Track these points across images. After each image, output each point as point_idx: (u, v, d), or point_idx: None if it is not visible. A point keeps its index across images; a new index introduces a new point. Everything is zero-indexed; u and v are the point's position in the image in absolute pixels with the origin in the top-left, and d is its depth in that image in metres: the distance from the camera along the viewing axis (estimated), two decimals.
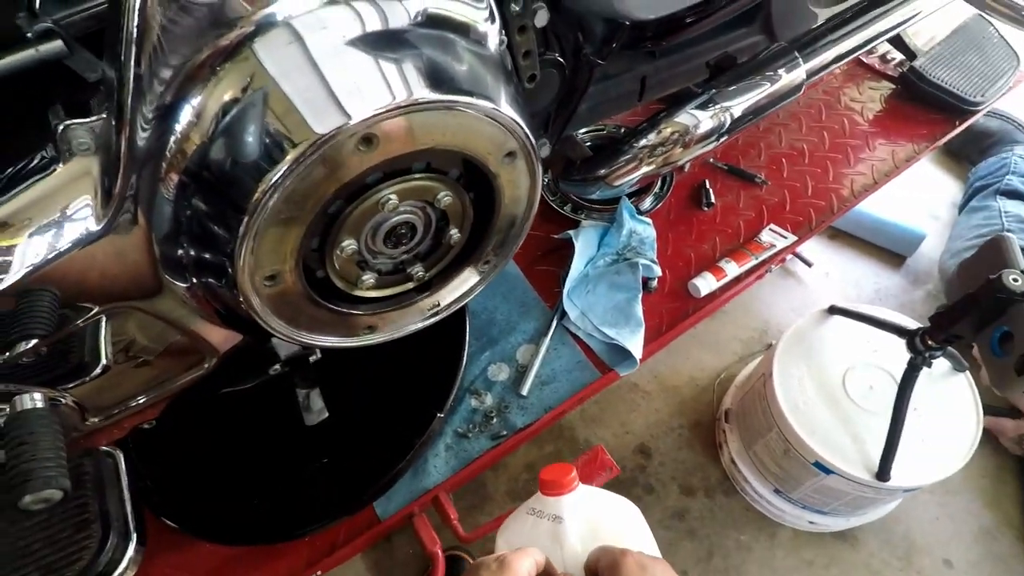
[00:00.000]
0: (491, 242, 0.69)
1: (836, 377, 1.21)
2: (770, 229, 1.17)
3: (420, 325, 0.72)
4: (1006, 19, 0.65)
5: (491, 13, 0.57)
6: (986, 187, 1.57)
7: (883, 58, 1.40)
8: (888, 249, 1.69)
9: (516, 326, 1.10)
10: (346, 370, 0.90)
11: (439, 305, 0.73)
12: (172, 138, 0.47)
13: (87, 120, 0.46)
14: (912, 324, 1.12)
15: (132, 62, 0.43)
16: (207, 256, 0.51)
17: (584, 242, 1.11)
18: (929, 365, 1.03)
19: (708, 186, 1.23)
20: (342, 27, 0.49)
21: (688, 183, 1.25)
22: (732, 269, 1.11)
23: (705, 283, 1.10)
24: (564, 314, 1.08)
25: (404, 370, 0.96)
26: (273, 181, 0.47)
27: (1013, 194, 1.52)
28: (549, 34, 0.72)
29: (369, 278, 0.64)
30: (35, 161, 0.48)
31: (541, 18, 0.67)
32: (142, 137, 0.46)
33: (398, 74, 0.50)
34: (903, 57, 1.33)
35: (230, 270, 0.51)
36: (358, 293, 0.65)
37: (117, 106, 0.45)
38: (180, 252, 0.52)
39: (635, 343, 1.03)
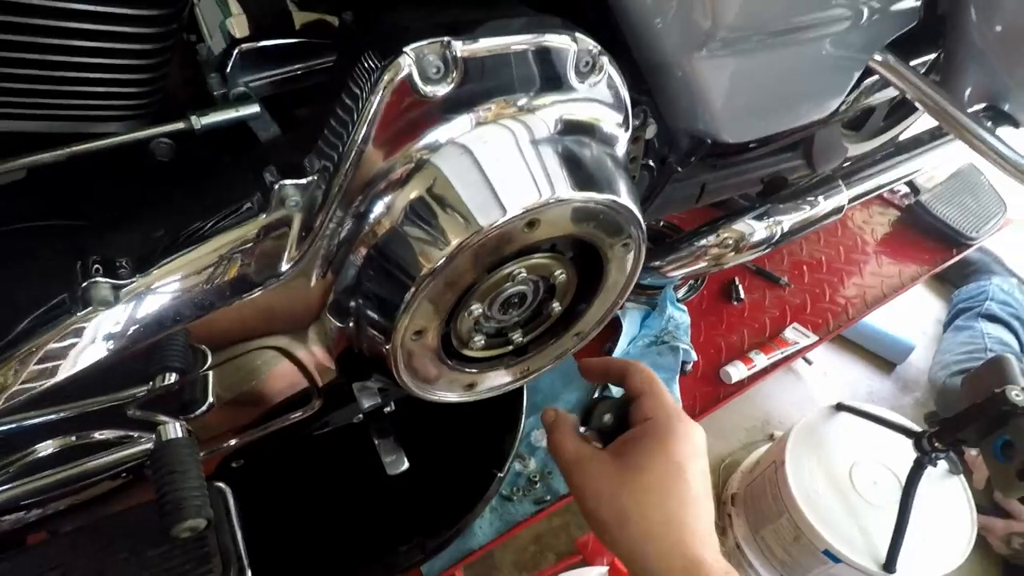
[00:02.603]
0: (586, 317, 0.77)
1: (844, 470, 1.28)
2: (794, 328, 1.28)
3: (510, 387, 0.78)
4: (1004, 171, 0.79)
5: (627, 125, 0.67)
6: (968, 309, 1.73)
7: (891, 190, 1.57)
8: (880, 355, 1.82)
9: (559, 395, 1.16)
10: (414, 425, 0.93)
11: (529, 370, 0.79)
12: (367, 221, 0.56)
13: (301, 181, 0.53)
14: (914, 426, 1.21)
15: (356, 148, 0.51)
16: (376, 310, 0.58)
17: (630, 322, 1.20)
18: (935, 465, 1.12)
19: (738, 283, 1.34)
20: (517, 136, 0.57)
21: (719, 278, 1.36)
22: (761, 360, 1.21)
23: (736, 371, 1.18)
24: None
25: (465, 429, 1.00)
26: (441, 261, 0.55)
27: (993, 318, 1.68)
28: (648, 144, 0.83)
29: (480, 339, 0.70)
30: (242, 210, 0.54)
31: (650, 131, 0.77)
32: (343, 212, 0.54)
33: (554, 175, 0.58)
34: (907, 191, 1.51)
35: (390, 324, 0.57)
36: (467, 353, 0.71)
37: (330, 176, 0.53)
38: (352, 303, 0.58)
39: None
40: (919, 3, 0.80)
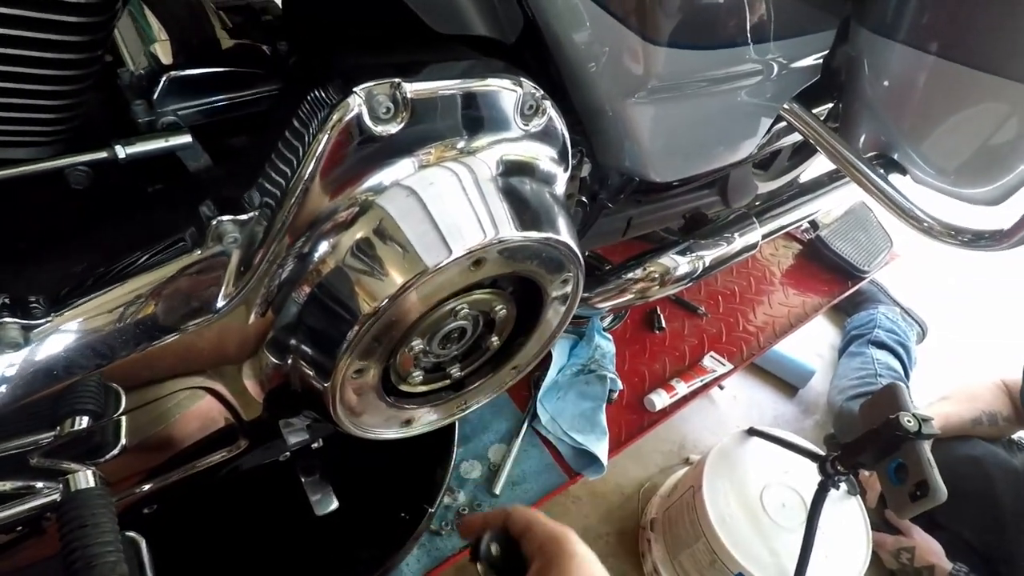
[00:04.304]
0: (524, 350, 0.78)
1: (755, 494, 1.35)
2: (711, 356, 1.35)
3: (447, 421, 0.77)
4: (901, 220, 0.87)
5: (566, 166, 0.69)
6: (860, 336, 1.90)
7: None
8: (784, 380, 1.95)
9: (489, 425, 1.16)
10: (343, 461, 0.90)
11: (466, 404, 0.79)
12: (311, 259, 0.55)
13: (241, 217, 0.51)
14: (819, 450, 1.30)
15: (301, 185, 0.50)
16: (317, 349, 0.56)
17: (558, 352, 1.22)
18: (837, 487, 1.21)
19: (659, 312, 1.40)
20: (462, 177, 0.58)
21: (642, 308, 1.42)
22: (682, 388, 1.26)
23: (660, 399, 1.23)
24: (535, 416, 1.16)
25: (396, 463, 0.97)
26: (385, 301, 0.55)
27: (881, 345, 1.85)
28: (582, 182, 0.86)
29: (418, 374, 0.70)
30: (175, 245, 0.51)
31: (585, 170, 0.81)
32: (285, 250, 0.53)
33: (497, 216, 0.60)
34: (808, 225, 1.65)
35: (332, 363, 0.56)
36: (405, 388, 0.70)
37: (272, 213, 0.51)
38: (292, 341, 0.56)
39: (602, 449, 1.12)
40: (820, 60, 0.90)
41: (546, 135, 0.64)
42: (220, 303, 0.52)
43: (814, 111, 1.02)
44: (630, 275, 1.04)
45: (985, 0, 0.73)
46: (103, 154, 0.53)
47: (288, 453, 0.80)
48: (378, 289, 0.54)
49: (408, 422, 0.73)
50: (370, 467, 0.96)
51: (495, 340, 0.75)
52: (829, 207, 1.22)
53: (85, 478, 0.54)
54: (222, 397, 0.64)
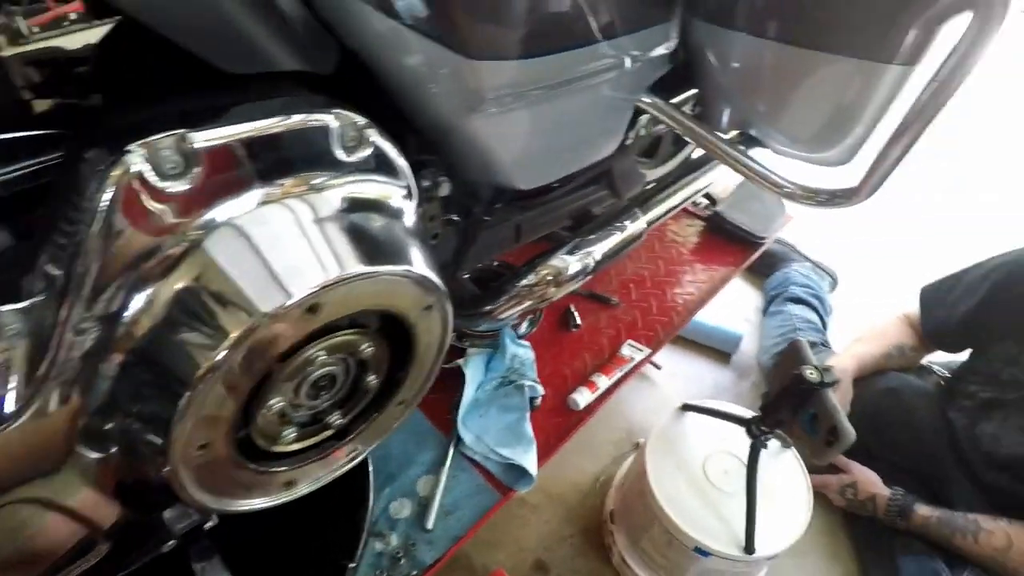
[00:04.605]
0: (406, 384, 0.74)
1: (698, 467, 1.36)
2: (628, 344, 1.35)
3: (339, 472, 0.73)
4: (767, 189, 0.91)
5: (409, 191, 0.66)
6: (777, 295, 1.96)
7: (694, 203, 1.75)
8: (717, 349, 1.99)
9: (414, 458, 1.12)
10: (246, 531, 0.84)
11: (357, 449, 0.75)
12: (121, 323, 0.48)
13: (21, 304, 0.46)
14: (748, 413, 1.32)
15: (86, 258, 0.45)
16: (141, 428, 0.51)
17: (473, 369, 1.19)
18: (766, 446, 1.23)
19: (573, 310, 1.40)
20: (283, 219, 0.55)
21: (557, 308, 1.41)
22: (603, 382, 1.26)
23: (582, 397, 1.22)
24: (460, 440, 1.13)
25: (308, 521, 0.92)
26: (219, 357, 0.50)
27: (797, 300, 1.91)
28: (448, 199, 0.84)
29: (289, 433, 0.65)
30: None
31: (444, 189, 0.78)
32: (85, 322, 0.47)
33: (333, 253, 0.57)
34: (707, 202, 1.69)
35: (165, 441, 0.51)
36: (277, 449, 0.66)
37: (61, 293, 0.46)
38: (109, 426, 0.51)
39: (530, 460, 1.10)
40: (667, 53, 0.90)
41: (376, 164, 0.61)
42: (11, 407, 0.47)
43: (679, 98, 1.04)
44: (524, 281, 1.03)
45: None
46: None
47: (174, 541, 0.74)
48: (203, 349, 0.49)
49: (290, 484, 0.69)
50: (279, 532, 0.90)
51: (373, 379, 0.71)
52: (706, 186, 1.24)
53: None
54: (65, 508, 0.58)
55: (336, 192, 0.58)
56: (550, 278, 1.02)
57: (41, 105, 0.63)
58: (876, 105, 0.84)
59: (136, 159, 0.46)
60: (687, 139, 0.96)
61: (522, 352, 1.25)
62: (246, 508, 0.64)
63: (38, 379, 0.48)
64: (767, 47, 0.85)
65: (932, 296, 1.53)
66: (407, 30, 0.57)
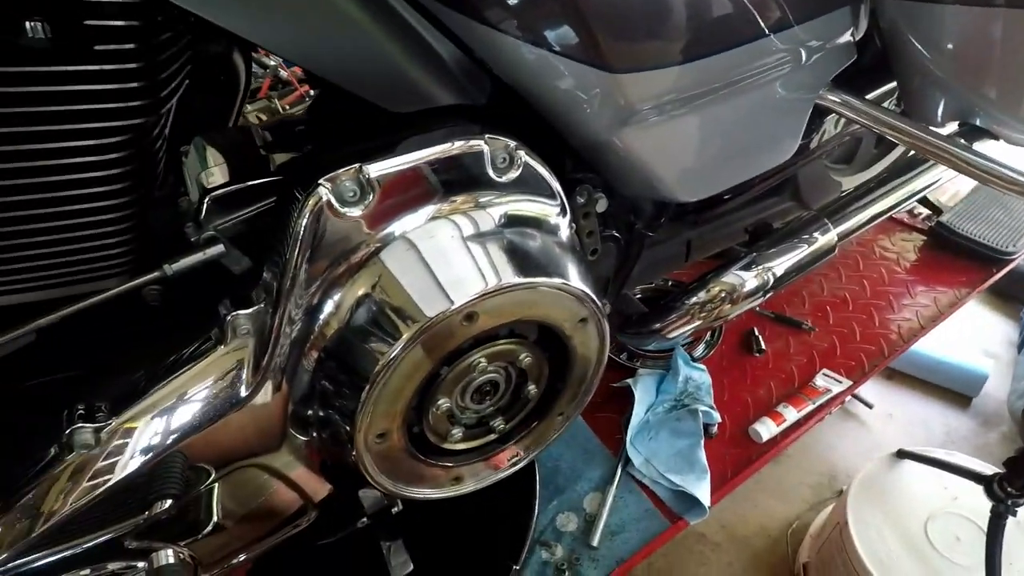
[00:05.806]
0: (565, 396, 0.77)
1: (917, 527, 1.16)
2: (823, 374, 1.21)
3: (502, 475, 0.78)
4: (1006, 192, 0.75)
5: (562, 207, 0.69)
6: None
7: (911, 212, 1.51)
8: (951, 389, 1.67)
9: (581, 474, 1.13)
10: (425, 522, 0.93)
11: (519, 455, 0.79)
12: (316, 324, 0.59)
13: (249, 311, 0.59)
14: (988, 469, 1.09)
15: (291, 271, 0.56)
16: (334, 416, 0.61)
17: (643, 389, 1.17)
18: (1014, 514, 1.00)
19: (757, 333, 1.29)
20: (446, 235, 0.61)
21: (737, 330, 1.31)
22: (791, 414, 1.14)
23: (766, 428, 1.12)
24: (628, 461, 1.11)
25: (478, 522, 0.98)
26: (393, 355, 0.58)
27: None
28: (607, 215, 0.85)
29: (457, 432, 0.72)
30: (205, 344, 0.60)
31: (601, 205, 0.80)
32: (292, 324, 0.58)
33: (490, 265, 0.62)
34: (928, 212, 1.44)
35: (350, 428, 0.60)
36: (447, 446, 0.72)
37: (275, 300, 0.58)
38: (310, 412, 0.61)
39: (702, 490, 1.03)
40: (852, 40, 0.81)
41: (528, 182, 0.65)
42: (243, 392, 0.59)
43: (875, 93, 0.93)
44: (694, 299, 0.99)
45: None
46: (156, 274, 0.64)
47: (366, 519, 0.85)
48: (379, 349, 0.58)
49: (458, 479, 0.75)
50: (454, 527, 0.98)
51: (532, 388, 0.74)
52: (917, 192, 1.06)
53: (166, 556, 0.62)
54: (286, 478, 0.71)
55: (491, 210, 0.64)
56: (723, 295, 0.96)
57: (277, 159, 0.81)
58: None
59: (323, 191, 0.56)
60: (891, 139, 0.84)
61: (697, 375, 1.19)
62: (420, 496, 0.72)
63: (262, 369, 0.60)
64: (994, 17, 0.74)
65: None
66: (553, 56, 0.61)
